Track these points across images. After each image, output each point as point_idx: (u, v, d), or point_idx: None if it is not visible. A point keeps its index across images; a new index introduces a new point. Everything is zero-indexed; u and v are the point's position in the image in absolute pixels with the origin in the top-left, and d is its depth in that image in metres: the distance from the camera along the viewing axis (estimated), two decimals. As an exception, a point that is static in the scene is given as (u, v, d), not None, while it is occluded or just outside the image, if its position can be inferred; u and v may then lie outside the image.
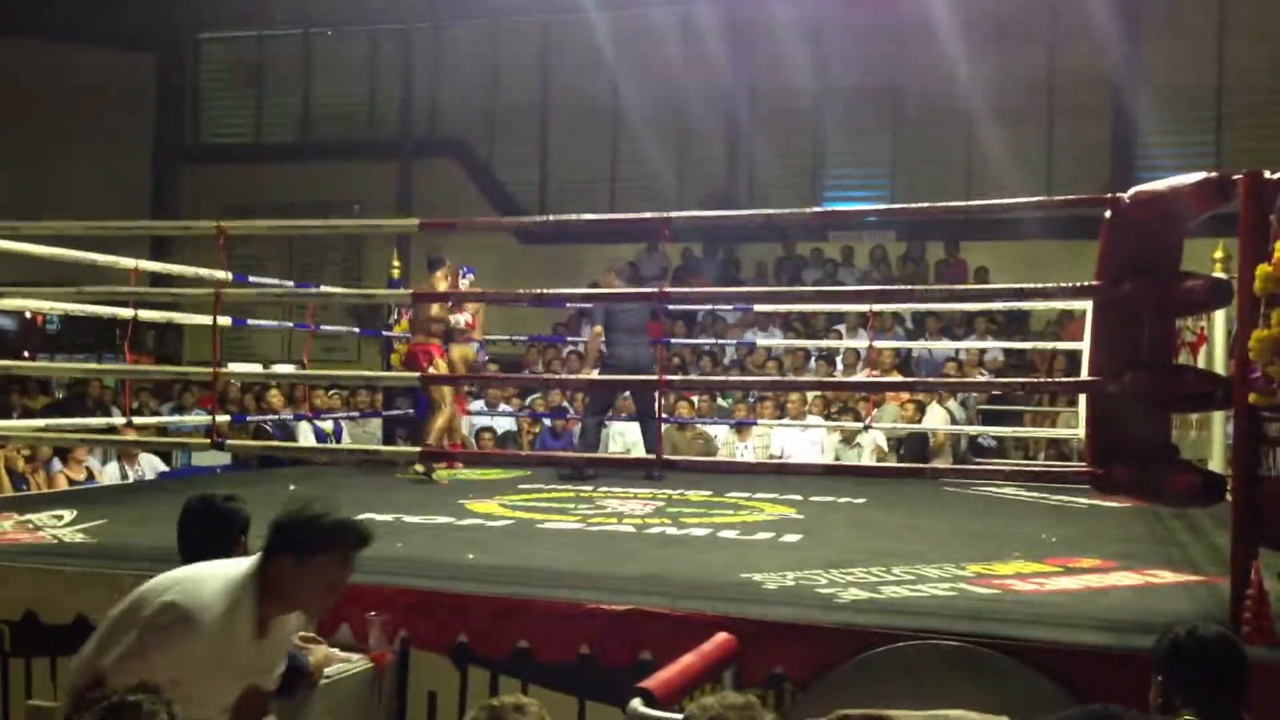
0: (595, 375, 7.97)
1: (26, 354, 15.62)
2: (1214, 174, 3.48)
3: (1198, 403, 4.08)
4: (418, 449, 7.17)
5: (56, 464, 8.26)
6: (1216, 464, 6.14)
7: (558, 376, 10.41)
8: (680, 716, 2.24)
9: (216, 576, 2.76)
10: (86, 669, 2.67)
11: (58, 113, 16.07)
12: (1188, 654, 2.66)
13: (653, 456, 6.28)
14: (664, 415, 8.63)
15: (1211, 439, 6.51)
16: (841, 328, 11.50)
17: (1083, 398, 5.98)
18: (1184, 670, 2.65)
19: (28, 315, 15.10)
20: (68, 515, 5.37)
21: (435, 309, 7.79)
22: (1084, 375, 5.50)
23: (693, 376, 10.51)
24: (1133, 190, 3.76)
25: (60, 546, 4.66)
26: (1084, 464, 3.98)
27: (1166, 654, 2.70)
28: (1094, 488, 3.89)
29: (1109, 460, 3.72)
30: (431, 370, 7.64)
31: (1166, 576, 4.33)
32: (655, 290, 6.02)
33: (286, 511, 2.80)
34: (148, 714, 2.28)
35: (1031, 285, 4.66)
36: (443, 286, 7.77)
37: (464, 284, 8.06)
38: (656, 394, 6.71)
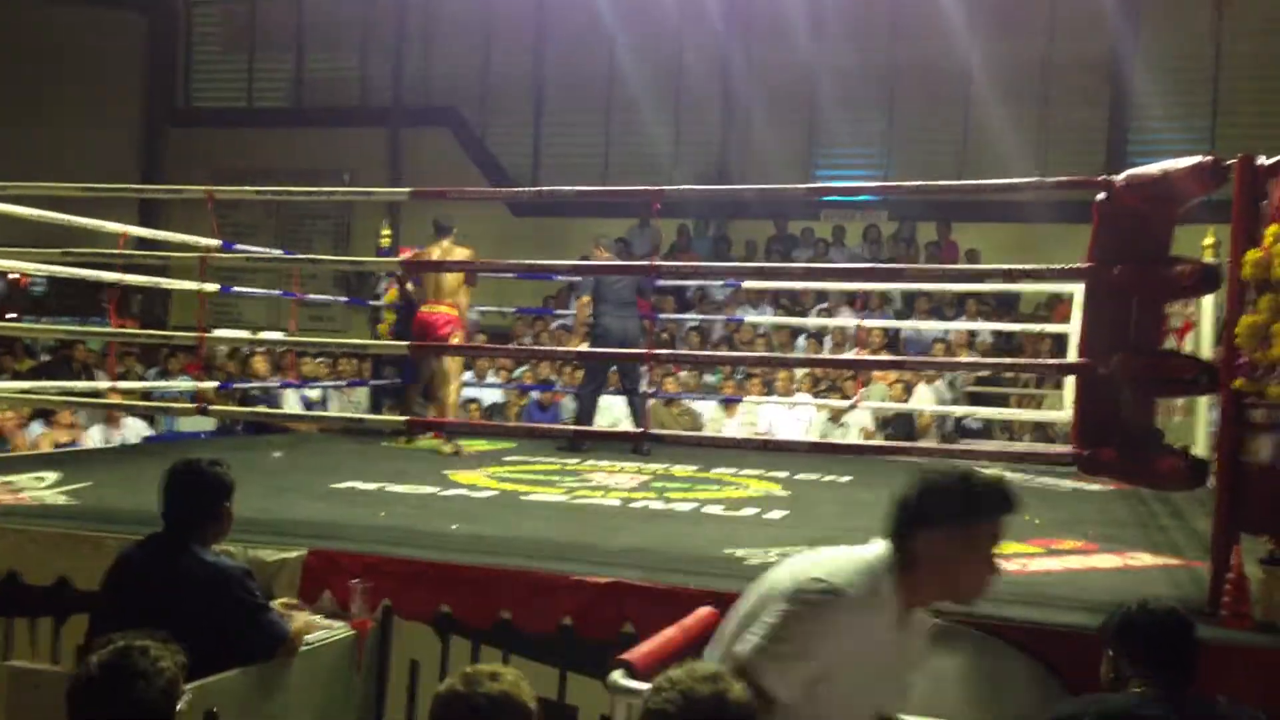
0: (583, 348, 7.96)
1: (12, 316, 15.54)
2: (1207, 158, 3.47)
3: (1184, 387, 4.09)
4: (403, 418, 7.15)
5: (40, 426, 8.22)
6: (1200, 449, 6.16)
7: (548, 348, 10.39)
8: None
9: (852, 556, 2.44)
10: (728, 663, 2.35)
11: (46, 72, 15.91)
12: (1138, 628, 2.75)
13: (640, 430, 6.28)
14: (651, 390, 8.63)
15: (1196, 424, 6.54)
16: (827, 305, 11.50)
17: (1069, 380, 6.00)
18: (1134, 644, 2.74)
19: (13, 277, 15.00)
20: (50, 477, 5.35)
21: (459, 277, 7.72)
22: (1072, 358, 5.51)
23: (680, 351, 10.50)
24: (1126, 173, 3.76)
25: (43, 508, 4.64)
26: (1069, 446, 3.99)
27: (1117, 628, 2.78)
28: (1079, 469, 3.90)
29: (1094, 442, 3.73)
30: (455, 340, 7.60)
31: (1147, 559, 4.36)
32: (646, 263, 6.00)
33: (932, 480, 2.45)
34: (153, 658, 2.28)
35: (1022, 267, 4.66)
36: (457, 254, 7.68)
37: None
38: (644, 367, 6.73)
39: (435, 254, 7.62)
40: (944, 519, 2.36)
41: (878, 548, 2.42)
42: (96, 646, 2.34)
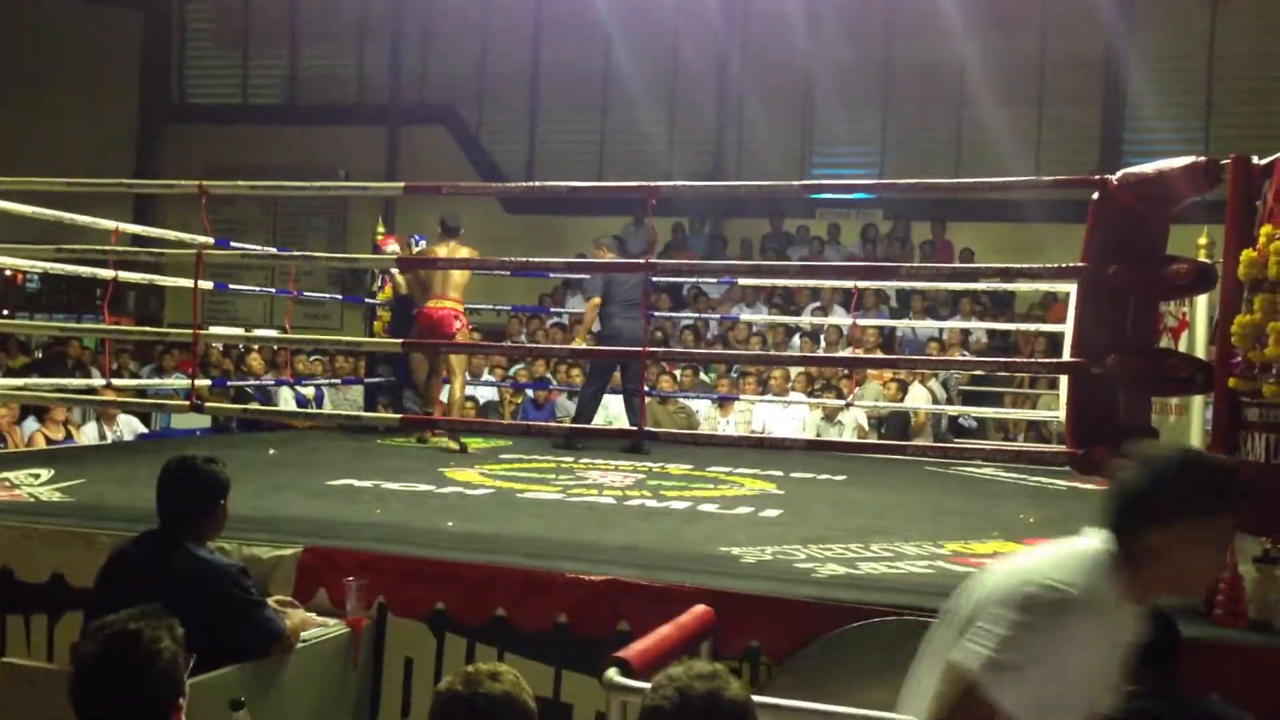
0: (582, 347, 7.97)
1: (5, 312, 15.50)
2: (1202, 158, 3.47)
3: (1179, 386, 4.10)
4: (397, 415, 7.14)
5: (34, 423, 8.21)
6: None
7: (546, 346, 10.40)
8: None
9: (1073, 555, 2.24)
10: (948, 674, 2.22)
11: (41, 67, 15.89)
12: None
13: (637, 429, 6.27)
14: (647, 388, 8.63)
15: (1190, 423, 6.54)
16: (821, 304, 11.50)
17: (1064, 380, 6.00)
18: None
19: (7, 273, 14.97)
20: (45, 474, 5.34)
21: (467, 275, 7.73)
22: (1067, 357, 5.51)
23: (677, 349, 10.51)
24: (1121, 173, 3.76)
25: (37, 505, 4.63)
26: (1064, 445, 4.00)
27: None
28: (1073, 469, 3.91)
29: (1089, 442, 3.73)
30: (461, 336, 7.61)
31: (1142, 559, 4.36)
32: (642, 261, 5.99)
33: (1165, 469, 2.19)
34: (150, 640, 2.27)
35: (1018, 266, 4.66)
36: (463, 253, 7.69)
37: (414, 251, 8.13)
38: (641, 366, 6.72)
39: (442, 252, 7.60)
40: (1182, 513, 2.14)
41: (1095, 541, 2.23)
42: (89, 634, 2.31)
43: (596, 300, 7.91)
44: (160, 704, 2.27)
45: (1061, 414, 6.79)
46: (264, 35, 17.12)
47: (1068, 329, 6.90)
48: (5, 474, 5.29)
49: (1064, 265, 4.21)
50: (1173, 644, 2.78)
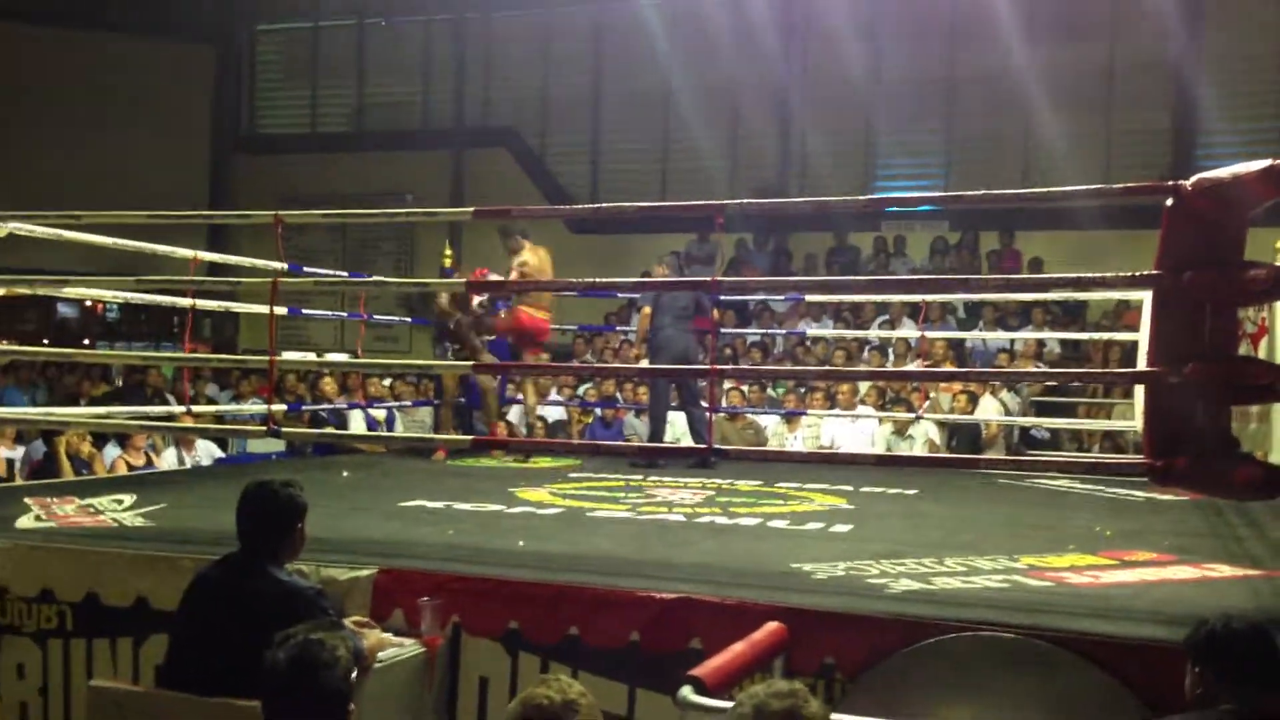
0: (644, 362, 8.00)
1: (87, 342, 15.92)
2: (1278, 161, 3.40)
3: (1260, 394, 4.01)
4: (469, 436, 7.21)
5: (116, 450, 8.42)
6: (1277, 457, 6.02)
7: (615, 365, 10.43)
8: (729, 705, 2.24)
9: None
10: None
11: (118, 104, 16.35)
12: (1226, 645, 2.74)
13: (706, 445, 6.27)
14: (714, 405, 8.62)
15: (1271, 431, 6.39)
16: (889, 317, 11.42)
17: (1139, 389, 5.89)
18: (1222, 660, 2.73)
19: (88, 304, 15.39)
20: (128, 499, 5.47)
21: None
22: (1141, 366, 5.42)
23: (743, 366, 10.48)
24: (1195, 178, 3.69)
25: (121, 530, 4.74)
26: (1141, 456, 3.92)
27: (1204, 644, 2.77)
28: (1151, 480, 3.83)
29: (1168, 452, 3.66)
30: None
31: (1225, 570, 4.27)
32: (707, 279, 5.99)
33: None
34: (330, 648, 2.56)
35: (1089, 275, 4.58)
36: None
37: None
38: (708, 382, 6.73)
39: (535, 258, 7.76)
40: None
41: None
42: (277, 643, 2.57)
43: (647, 310, 7.99)
44: (338, 707, 2.56)
45: (1138, 424, 6.68)
46: (331, 67, 17.50)
47: (1142, 337, 6.78)
48: (89, 500, 5.43)
49: (1138, 274, 4.13)
50: (1274, 658, 2.72)
